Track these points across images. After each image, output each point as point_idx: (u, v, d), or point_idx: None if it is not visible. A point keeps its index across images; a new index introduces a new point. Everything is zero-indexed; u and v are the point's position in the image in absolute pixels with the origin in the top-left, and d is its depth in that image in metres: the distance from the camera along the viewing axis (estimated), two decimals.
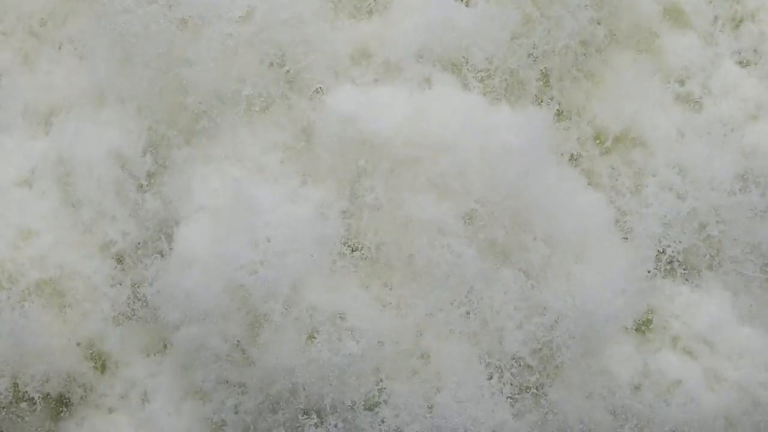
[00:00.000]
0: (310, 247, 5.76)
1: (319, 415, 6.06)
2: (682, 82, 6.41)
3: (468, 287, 5.88)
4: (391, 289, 5.92)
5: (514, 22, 6.19)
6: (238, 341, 5.87)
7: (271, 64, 6.02)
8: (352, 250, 5.92)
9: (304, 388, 5.95)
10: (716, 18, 6.45)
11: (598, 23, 6.37)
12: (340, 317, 5.85)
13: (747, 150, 6.26)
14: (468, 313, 5.94)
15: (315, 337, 5.84)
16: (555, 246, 5.92)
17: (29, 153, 5.84)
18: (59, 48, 6.03)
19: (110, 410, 5.92)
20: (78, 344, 5.81)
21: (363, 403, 6.00)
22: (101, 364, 5.99)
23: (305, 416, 6.04)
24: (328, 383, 5.92)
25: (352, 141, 5.69)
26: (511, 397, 6.11)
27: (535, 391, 6.14)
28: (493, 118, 5.82)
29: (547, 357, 6.10)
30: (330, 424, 6.04)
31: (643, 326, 6.25)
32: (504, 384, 6.07)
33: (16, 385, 5.67)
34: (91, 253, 5.87)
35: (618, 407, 6.19)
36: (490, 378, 6.06)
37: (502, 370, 6.07)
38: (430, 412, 6.00)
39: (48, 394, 5.77)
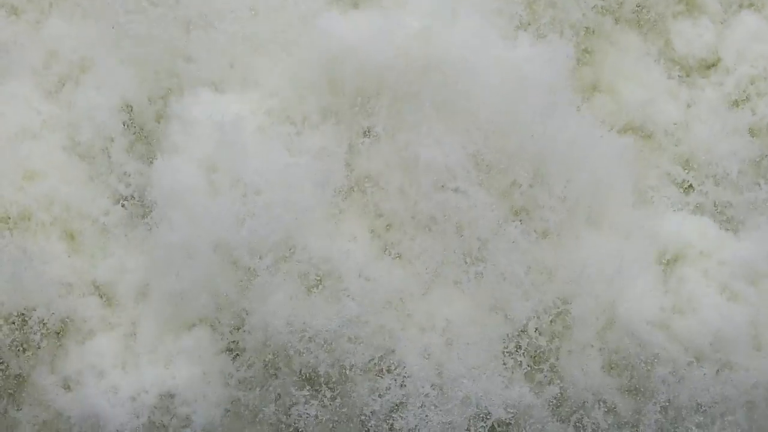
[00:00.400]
0: (305, 197, 5.35)
1: (313, 387, 5.54)
2: (687, 70, 6.26)
3: (481, 242, 5.44)
4: (394, 243, 5.49)
5: (520, 16, 6.19)
6: (230, 302, 5.47)
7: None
8: (349, 201, 5.52)
9: (300, 354, 5.46)
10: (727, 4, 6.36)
11: (604, 12, 6.37)
12: (337, 275, 5.39)
13: (758, 126, 6.02)
14: (481, 273, 5.50)
15: (309, 297, 5.38)
16: (571, 203, 5.50)
17: (39, 108, 5.73)
18: (71, 17, 6.06)
19: (101, 345, 5.47)
20: (85, 283, 5.54)
21: (363, 372, 5.47)
22: (105, 301, 5.59)
23: (298, 389, 5.51)
24: (324, 349, 5.41)
25: (351, 72, 5.36)
26: (528, 369, 5.56)
27: (554, 361, 5.57)
28: (511, 47, 5.50)
29: (562, 330, 5.58)
30: (326, 398, 5.51)
31: (671, 288, 5.67)
32: (521, 355, 5.53)
33: (24, 329, 5.39)
34: (97, 197, 5.66)
35: (641, 382, 5.59)
36: (506, 346, 5.53)
37: (517, 340, 5.54)
38: (440, 378, 5.46)
39: (49, 330, 5.42)
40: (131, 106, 5.76)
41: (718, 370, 5.54)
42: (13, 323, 5.34)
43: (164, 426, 5.39)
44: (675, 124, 6.13)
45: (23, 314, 5.33)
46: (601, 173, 5.57)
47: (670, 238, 5.69)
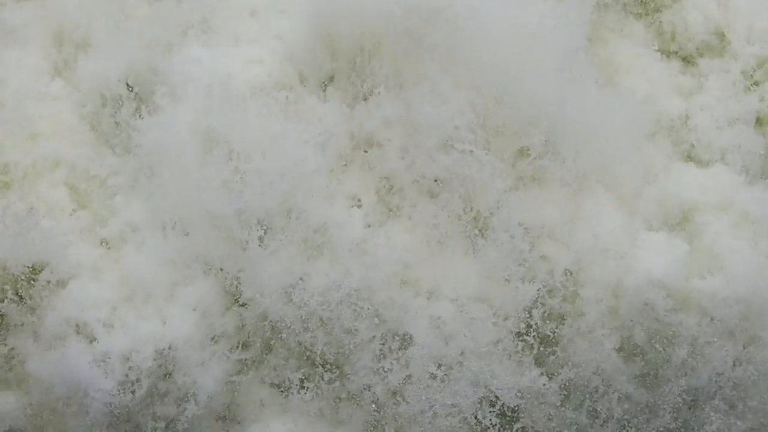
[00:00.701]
0: (302, 164, 5.06)
1: (312, 366, 5.25)
2: (692, 58, 6.07)
3: (487, 212, 5.17)
4: (396, 211, 5.22)
5: None
6: (223, 273, 5.21)
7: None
8: (349, 168, 5.27)
9: (296, 333, 5.18)
10: None
11: (606, 8, 6.24)
12: (336, 246, 5.10)
13: (766, 114, 5.83)
14: (486, 248, 5.23)
15: (307, 270, 5.08)
16: (582, 173, 5.25)
17: (46, 74, 5.57)
18: None
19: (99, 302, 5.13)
20: (90, 242, 5.30)
21: (363, 350, 5.17)
22: (109, 260, 5.28)
23: (294, 371, 5.24)
24: (323, 329, 5.14)
25: (348, 24, 5.13)
26: (539, 351, 5.25)
27: (566, 342, 5.22)
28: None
29: (572, 310, 5.26)
30: (323, 380, 5.22)
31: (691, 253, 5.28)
32: (531, 336, 5.22)
33: (30, 290, 5.16)
34: (103, 158, 5.42)
35: (658, 366, 5.24)
36: (516, 325, 5.21)
37: (527, 320, 5.22)
38: (446, 358, 5.12)
39: (54, 288, 5.17)
40: (138, 73, 5.52)
41: (744, 346, 5.21)
42: (17, 284, 5.14)
43: (164, 394, 5.10)
44: (680, 118, 5.90)
45: (30, 276, 5.13)
46: (616, 142, 5.32)
47: (683, 194, 5.39)
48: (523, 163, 5.27)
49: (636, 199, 5.40)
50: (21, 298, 5.13)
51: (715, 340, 5.20)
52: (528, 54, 5.11)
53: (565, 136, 5.23)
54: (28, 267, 5.11)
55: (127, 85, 5.48)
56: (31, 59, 5.61)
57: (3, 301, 5.10)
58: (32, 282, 5.12)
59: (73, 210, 5.32)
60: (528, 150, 5.24)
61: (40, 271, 5.12)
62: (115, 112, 5.45)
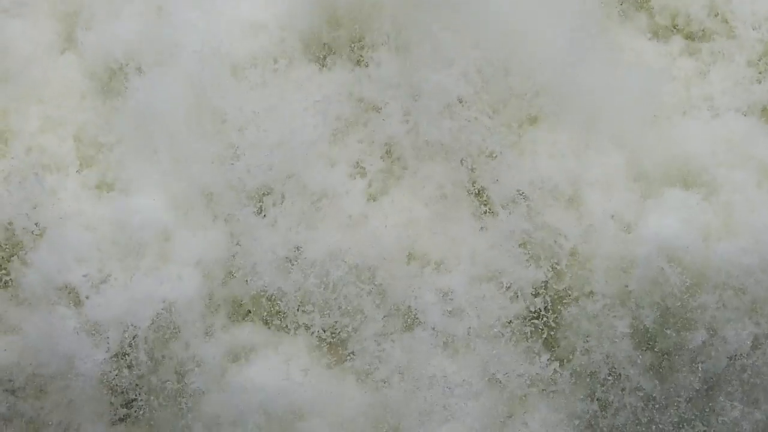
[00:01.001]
0: (300, 135, 4.87)
1: (310, 349, 4.94)
2: (693, 47, 5.90)
3: (491, 183, 4.94)
4: (397, 183, 4.99)
5: None
6: (218, 255, 4.93)
7: None
8: (349, 137, 5.02)
9: (294, 314, 4.91)
10: None
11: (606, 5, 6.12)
12: (335, 218, 4.86)
13: None
14: (488, 216, 4.97)
15: (305, 244, 4.85)
16: (593, 137, 5.02)
17: (54, 50, 5.37)
18: None
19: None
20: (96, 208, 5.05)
21: (362, 331, 4.89)
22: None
23: (293, 358, 4.95)
24: (319, 311, 4.89)
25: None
26: (548, 337, 4.98)
27: (576, 327, 4.94)
28: None
29: (581, 296, 4.98)
30: (321, 366, 4.91)
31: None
32: (541, 322, 4.96)
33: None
34: (111, 125, 5.18)
35: (672, 353, 4.96)
36: (527, 308, 4.96)
37: (536, 305, 4.96)
38: (453, 341, 4.87)
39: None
40: (138, 42, 5.28)
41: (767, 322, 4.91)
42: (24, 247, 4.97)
43: (163, 365, 4.86)
44: (683, 110, 5.71)
45: (36, 238, 4.96)
46: (627, 110, 5.08)
47: (697, 150, 5.10)
48: (529, 130, 5.05)
49: (647, 161, 5.10)
50: (23, 261, 4.94)
51: (733, 317, 4.88)
52: (538, 13, 4.92)
53: (575, 104, 5.02)
54: (35, 234, 4.94)
55: (131, 56, 5.26)
56: (38, 30, 5.41)
57: (10, 261, 4.94)
58: (36, 244, 4.94)
59: (79, 167, 5.13)
60: (535, 117, 5.03)
61: (44, 233, 4.94)
62: (123, 80, 5.22)
